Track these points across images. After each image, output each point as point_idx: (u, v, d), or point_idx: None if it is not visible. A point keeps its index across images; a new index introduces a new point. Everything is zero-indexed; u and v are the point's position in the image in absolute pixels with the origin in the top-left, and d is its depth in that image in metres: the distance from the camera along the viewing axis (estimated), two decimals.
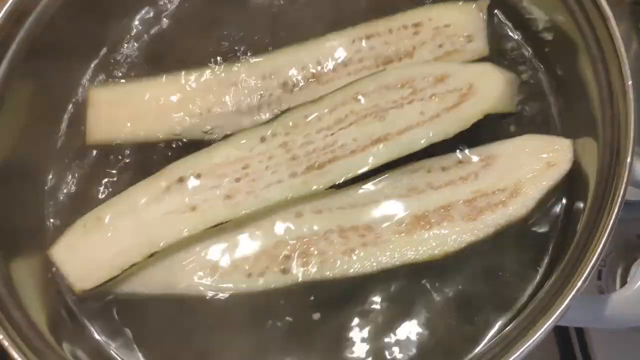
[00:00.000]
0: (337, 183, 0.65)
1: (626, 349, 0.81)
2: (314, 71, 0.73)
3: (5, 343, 0.57)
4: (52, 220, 0.73)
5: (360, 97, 0.69)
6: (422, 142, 0.66)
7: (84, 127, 0.74)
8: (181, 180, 0.67)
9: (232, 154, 0.67)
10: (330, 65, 0.73)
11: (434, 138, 0.66)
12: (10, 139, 0.71)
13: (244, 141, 0.68)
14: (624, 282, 0.80)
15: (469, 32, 0.73)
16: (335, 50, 0.74)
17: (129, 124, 0.73)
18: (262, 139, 0.68)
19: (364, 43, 0.74)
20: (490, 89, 0.68)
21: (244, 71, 0.73)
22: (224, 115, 0.72)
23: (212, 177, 0.67)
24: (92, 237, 0.66)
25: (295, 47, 0.74)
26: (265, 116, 0.72)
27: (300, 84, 0.73)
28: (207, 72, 0.74)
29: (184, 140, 0.72)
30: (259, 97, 0.73)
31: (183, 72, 0.74)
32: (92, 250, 0.66)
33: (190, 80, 0.74)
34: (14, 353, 0.57)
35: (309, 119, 0.68)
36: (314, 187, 0.65)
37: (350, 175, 0.66)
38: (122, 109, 0.74)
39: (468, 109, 0.67)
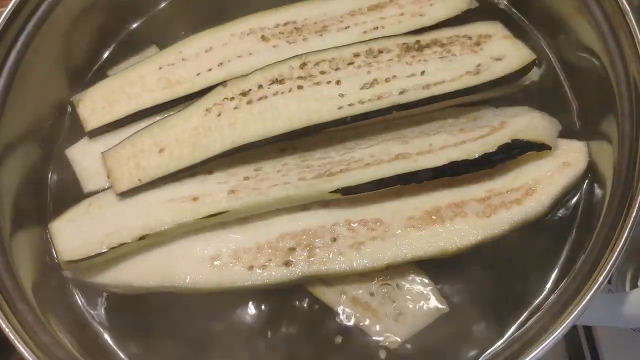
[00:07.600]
0: (342, 188, 0.63)
1: (634, 348, 0.80)
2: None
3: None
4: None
5: (388, 129, 0.69)
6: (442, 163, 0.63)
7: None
8: (193, 174, 0.67)
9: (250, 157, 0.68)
10: None
11: (455, 158, 0.64)
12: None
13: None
14: (634, 285, 0.79)
15: None
16: None
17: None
18: (283, 150, 0.68)
19: None
20: (522, 121, 0.67)
21: None
22: None
23: (224, 174, 0.67)
24: (93, 216, 0.67)
25: None
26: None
27: None
28: None
29: None
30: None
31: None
32: (88, 226, 0.66)
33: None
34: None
35: (333, 141, 0.69)
36: (319, 190, 0.63)
37: (357, 183, 0.63)
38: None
39: (496, 138, 0.65)
